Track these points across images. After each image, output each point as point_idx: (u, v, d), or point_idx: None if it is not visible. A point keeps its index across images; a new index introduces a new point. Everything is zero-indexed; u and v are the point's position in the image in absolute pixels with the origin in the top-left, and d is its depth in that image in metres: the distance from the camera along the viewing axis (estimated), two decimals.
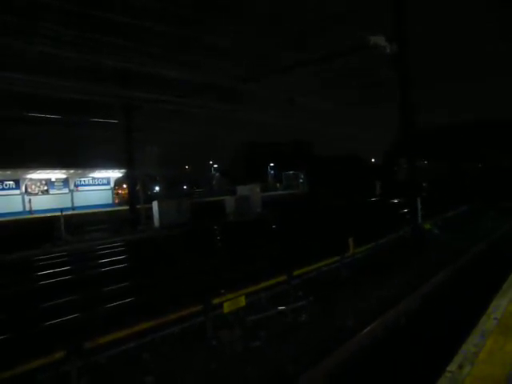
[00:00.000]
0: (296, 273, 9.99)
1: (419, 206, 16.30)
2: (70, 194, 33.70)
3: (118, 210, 31.57)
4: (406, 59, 16.53)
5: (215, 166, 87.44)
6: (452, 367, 4.05)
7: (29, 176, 31.28)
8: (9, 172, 30.28)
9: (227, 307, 7.38)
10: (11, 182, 30.74)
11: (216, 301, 7.74)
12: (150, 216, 27.98)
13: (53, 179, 33.01)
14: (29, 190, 31.54)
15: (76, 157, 36.68)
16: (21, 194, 30.90)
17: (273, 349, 6.74)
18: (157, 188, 64.44)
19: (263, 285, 9.49)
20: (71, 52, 16.49)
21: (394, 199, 36.11)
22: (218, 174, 77.28)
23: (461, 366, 4.08)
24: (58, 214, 24.18)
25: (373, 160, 78.17)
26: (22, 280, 13.98)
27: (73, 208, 32.33)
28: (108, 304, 10.30)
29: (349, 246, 11.82)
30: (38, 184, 32.35)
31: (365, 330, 7.49)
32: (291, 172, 56.67)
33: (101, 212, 30.84)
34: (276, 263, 12.91)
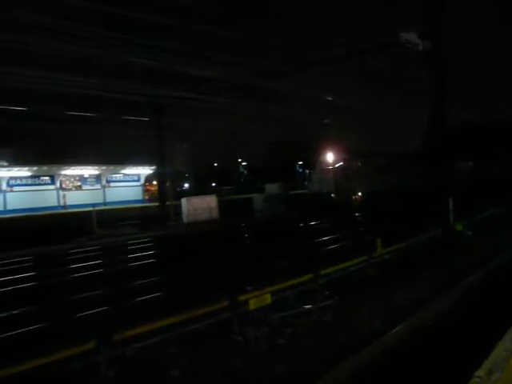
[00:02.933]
0: (323, 272, 9.94)
1: (451, 206, 15.89)
2: (101, 190, 34.60)
3: (148, 206, 32.19)
4: (441, 57, 16.01)
5: (244, 163, 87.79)
6: (480, 373, 3.96)
7: (63, 172, 32.30)
8: (45, 168, 31.37)
9: (253, 304, 7.42)
10: (47, 178, 31.82)
11: (242, 298, 7.80)
12: (179, 212, 28.40)
13: (86, 175, 33.98)
14: (63, 185, 32.57)
15: (108, 154, 37.62)
16: (56, 189, 31.95)
17: (298, 347, 6.75)
18: (186, 185, 65.24)
19: (289, 283, 9.50)
20: (106, 52, 16.92)
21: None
22: (246, 172, 77.56)
23: (490, 372, 3.98)
24: (91, 209, 24.90)
25: None
26: (57, 272, 14.46)
27: (104, 203, 33.17)
28: (137, 298, 10.53)
29: (376, 245, 11.66)
30: (72, 180, 33.37)
31: (391, 332, 7.39)
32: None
33: (131, 208, 31.53)
34: (302, 262, 12.87)
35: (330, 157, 32.71)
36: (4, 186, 29.33)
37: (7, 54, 18.42)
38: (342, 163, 31.76)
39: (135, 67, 21.75)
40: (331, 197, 30.27)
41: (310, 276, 9.44)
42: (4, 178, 29.39)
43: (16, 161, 32.16)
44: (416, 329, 7.67)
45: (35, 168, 30.79)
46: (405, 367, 6.19)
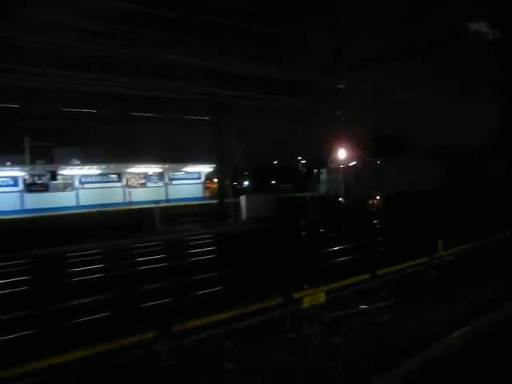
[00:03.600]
0: (380, 272, 9.73)
1: None
2: (164, 187, 35.98)
3: (208, 204, 33.02)
4: None
5: (303, 161, 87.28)
6: None
7: (129, 170, 33.99)
8: (113, 166, 33.19)
9: (307, 302, 7.45)
10: (114, 176, 33.65)
11: (296, 295, 7.84)
12: (238, 209, 28.90)
13: (150, 173, 35.50)
14: (129, 182, 34.28)
15: (170, 152, 39.07)
16: (122, 186, 33.69)
17: (352, 347, 6.69)
18: (246, 182, 66.07)
19: (344, 282, 9.39)
20: (166, 54, 17.62)
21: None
22: (304, 170, 77.07)
23: None
24: (154, 205, 26.03)
25: None
26: (124, 265, 15.32)
27: (167, 200, 34.48)
28: (197, 291, 10.92)
29: (437, 247, 11.21)
30: (137, 177, 35.02)
31: (453, 335, 7.10)
32: None
33: (192, 205, 32.53)
34: (360, 261, 12.67)
35: (342, 154, 25.68)
36: (77, 184, 31.41)
37: (74, 60, 19.71)
38: (355, 161, 26.16)
39: (194, 68, 22.40)
40: (338, 201, 24.20)
41: (366, 276, 9.28)
42: (77, 176, 31.46)
43: (86, 160, 34.40)
44: (481, 333, 7.32)
45: (104, 166, 32.67)
46: (465, 374, 5.94)
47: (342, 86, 20.14)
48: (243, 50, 19.91)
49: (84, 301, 10.56)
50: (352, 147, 25.08)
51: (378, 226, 23.19)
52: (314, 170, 29.58)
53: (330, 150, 26.59)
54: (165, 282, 12.09)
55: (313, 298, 7.53)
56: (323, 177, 27.81)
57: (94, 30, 16.62)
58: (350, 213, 22.07)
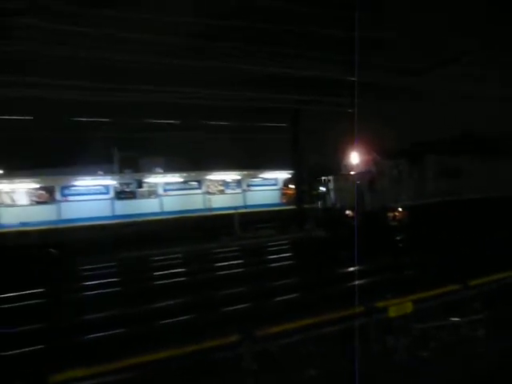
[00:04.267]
0: (472, 283, 9.07)
1: None
2: (242, 194, 36.69)
3: (285, 209, 33.08)
4: None
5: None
6: None
7: (208, 177, 35.17)
8: (193, 174, 34.58)
9: (392, 312, 7.15)
10: (195, 183, 35.01)
11: (380, 304, 7.56)
12: (314, 215, 28.61)
13: (228, 180, 36.43)
14: (208, 189, 35.45)
15: (248, 159, 39.84)
16: (202, 193, 34.92)
17: (443, 362, 6.30)
18: (322, 188, 65.12)
19: (434, 292, 8.87)
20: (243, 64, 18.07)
21: None
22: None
23: None
24: (233, 211, 26.66)
25: None
26: (206, 269, 15.81)
27: (245, 206, 35.09)
28: (277, 297, 10.94)
29: None
30: (216, 184, 36.09)
31: None
32: None
33: (269, 211, 32.80)
34: (450, 270, 11.88)
35: (354, 158, 21.31)
36: (161, 191, 33.12)
37: (156, 74, 20.87)
38: (370, 166, 20.42)
39: (268, 75, 22.70)
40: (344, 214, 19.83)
41: (456, 286, 8.70)
42: (160, 183, 33.19)
43: (168, 168, 36.19)
44: None
45: (185, 174, 34.14)
46: None
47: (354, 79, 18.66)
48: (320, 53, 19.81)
49: (170, 302, 11.03)
50: (367, 150, 20.55)
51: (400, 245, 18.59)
52: (323, 178, 23.84)
53: (341, 155, 22.58)
54: (247, 287, 12.26)
55: (399, 307, 7.22)
56: (330, 186, 22.64)
57: (174, 45, 17.55)
58: (359, 228, 17.20)
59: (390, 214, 19.04)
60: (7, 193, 27.13)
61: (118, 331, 8.91)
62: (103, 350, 7.44)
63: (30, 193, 27.76)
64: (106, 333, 8.77)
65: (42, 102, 22.53)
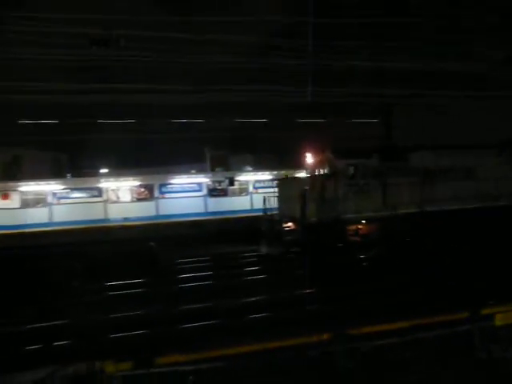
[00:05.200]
0: None
1: None
2: None
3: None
4: None
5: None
6: None
7: (298, 175, 35.29)
8: (283, 172, 34.97)
9: (499, 320, 6.66)
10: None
11: (486, 311, 7.07)
12: None
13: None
14: None
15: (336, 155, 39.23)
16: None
17: None
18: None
19: None
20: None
21: None
22: None
23: None
24: None
25: None
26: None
27: None
28: (371, 298, 10.60)
29: None
30: None
31: None
32: None
33: None
34: None
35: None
36: (251, 189, 33.97)
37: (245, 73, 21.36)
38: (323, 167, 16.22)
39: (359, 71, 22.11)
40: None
41: None
42: (251, 181, 34.04)
43: (256, 166, 36.92)
44: None
45: (275, 172, 34.62)
46: None
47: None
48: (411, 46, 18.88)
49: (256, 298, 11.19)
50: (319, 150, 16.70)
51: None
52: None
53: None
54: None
55: (507, 315, 6.69)
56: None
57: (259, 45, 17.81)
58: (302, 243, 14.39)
59: (351, 227, 14.93)
60: (113, 190, 29.66)
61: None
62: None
63: (131, 190, 30.08)
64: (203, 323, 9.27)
65: (144, 106, 24.42)
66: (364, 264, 14.82)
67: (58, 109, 25.24)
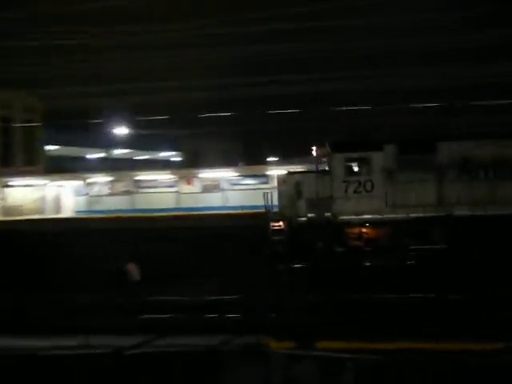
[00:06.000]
0: None
1: None
2: None
3: None
4: None
5: None
6: None
7: None
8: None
9: None
10: None
11: None
12: None
13: None
14: None
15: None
16: None
17: None
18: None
19: None
20: None
21: None
22: None
23: None
24: None
25: None
26: None
27: None
28: None
29: None
30: None
31: None
32: None
33: None
34: None
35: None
36: None
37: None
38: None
39: None
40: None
41: None
42: None
43: None
44: None
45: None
46: None
47: None
48: None
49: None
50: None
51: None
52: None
53: None
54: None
55: None
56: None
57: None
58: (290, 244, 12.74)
59: (353, 231, 13.09)
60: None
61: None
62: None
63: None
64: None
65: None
66: (366, 273, 12.71)
67: None
